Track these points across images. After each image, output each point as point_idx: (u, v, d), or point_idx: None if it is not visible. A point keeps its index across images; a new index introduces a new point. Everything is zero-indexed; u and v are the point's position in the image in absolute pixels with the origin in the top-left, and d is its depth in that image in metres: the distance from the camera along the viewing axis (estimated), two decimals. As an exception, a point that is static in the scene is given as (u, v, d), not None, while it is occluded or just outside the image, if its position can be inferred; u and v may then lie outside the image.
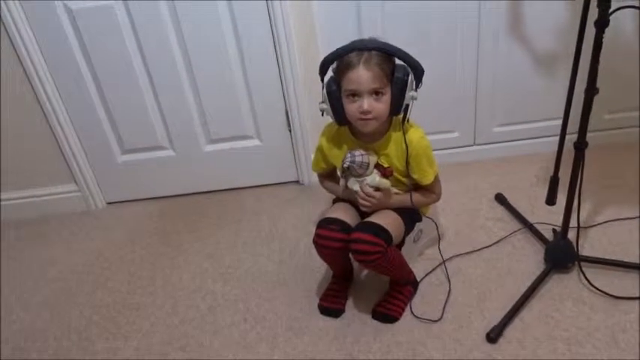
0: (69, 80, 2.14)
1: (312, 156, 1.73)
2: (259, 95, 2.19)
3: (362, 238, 1.42)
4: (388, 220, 1.49)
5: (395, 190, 1.57)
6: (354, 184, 1.52)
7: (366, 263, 1.47)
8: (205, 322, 1.69)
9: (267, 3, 1.96)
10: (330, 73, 1.45)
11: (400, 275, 1.62)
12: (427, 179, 1.53)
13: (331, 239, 1.49)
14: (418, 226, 1.68)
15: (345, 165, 1.47)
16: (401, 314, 1.60)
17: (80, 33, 2.03)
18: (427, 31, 2.04)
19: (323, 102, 1.46)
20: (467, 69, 2.15)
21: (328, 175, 1.72)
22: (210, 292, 1.82)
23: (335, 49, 1.40)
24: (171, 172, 2.40)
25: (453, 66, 2.14)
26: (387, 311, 1.60)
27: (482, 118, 2.28)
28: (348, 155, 1.46)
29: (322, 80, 1.45)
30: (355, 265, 1.73)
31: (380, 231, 1.44)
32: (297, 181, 2.42)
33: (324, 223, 1.51)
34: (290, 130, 2.27)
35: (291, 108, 2.19)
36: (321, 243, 1.51)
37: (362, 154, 1.46)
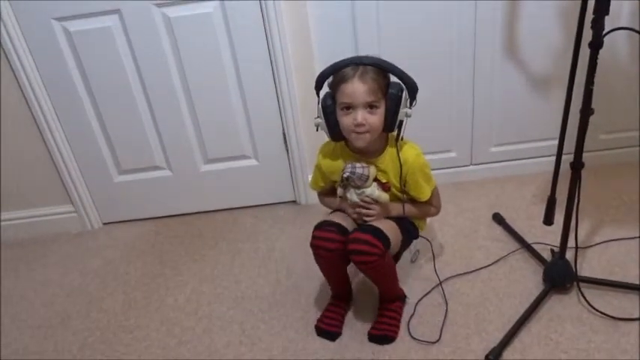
0: (66, 101, 2.14)
1: (310, 175, 1.73)
2: (256, 115, 2.19)
3: (361, 238, 1.42)
4: (386, 227, 1.49)
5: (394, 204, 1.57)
6: (352, 195, 1.52)
7: (364, 265, 1.44)
8: (201, 344, 1.67)
9: (264, 24, 1.98)
10: (326, 88, 1.46)
11: (391, 286, 1.61)
12: (424, 196, 1.55)
13: (328, 240, 1.47)
14: (415, 244, 1.68)
15: (344, 175, 1.47)
16: (397, 332, 1.58)
17: (78, 54, 2.04)
18: (424, 53, 2.05)
19: (318, 117, 1.47)
20: (463, 90, 2.16)
21: (327, 194, 1.72)
22: (206, 313, 1.80)
23: (331, 63, 1.42)
24: (168, 192, 2.39)
25: (450, 87, 2.15)
26: (383, 332, 1.58)
27: (480, 138, 2.28)
28: (349, 166, 1.47)
29: (318, 95, 1.47)
30: (354, 285, 1.72)
31: (379, 233, 1.43)
32: (294, 201, 2.41)
33: (321, 225, 1.51)
34: (287, 150, 2.27)
35: (288, 128, 2.19)
36: (317, 244, 1.49)
37: (363, 167, 1.47)
